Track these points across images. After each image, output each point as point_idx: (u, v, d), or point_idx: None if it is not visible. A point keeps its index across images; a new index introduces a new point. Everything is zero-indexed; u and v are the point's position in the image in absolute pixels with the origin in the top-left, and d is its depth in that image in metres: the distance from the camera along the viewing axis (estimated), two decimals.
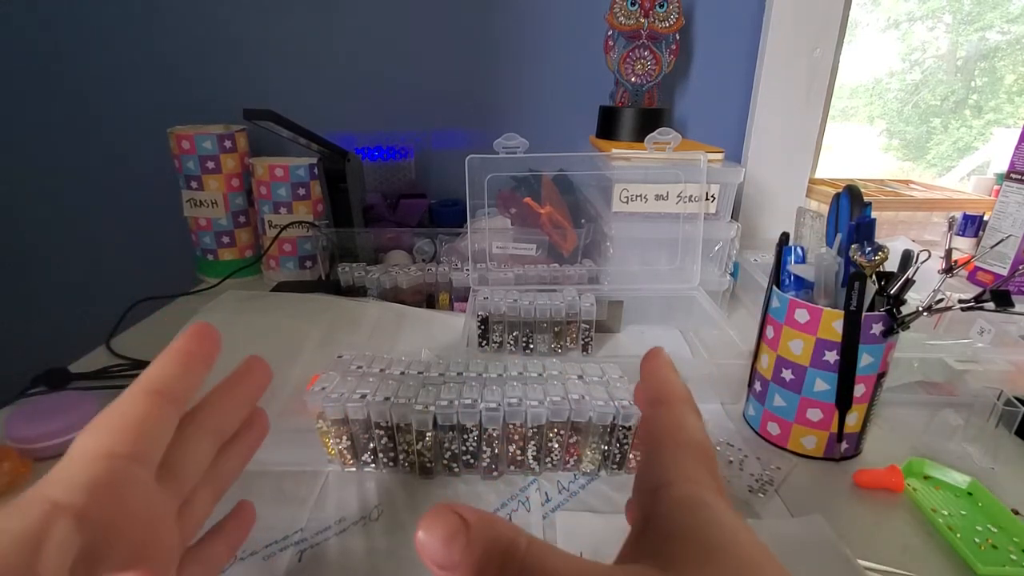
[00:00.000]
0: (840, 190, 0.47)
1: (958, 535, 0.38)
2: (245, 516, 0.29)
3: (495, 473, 0.43)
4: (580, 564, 0.15)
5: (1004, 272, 0.81)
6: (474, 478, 0.43)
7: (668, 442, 0.18)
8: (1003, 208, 0.82)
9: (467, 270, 0.69)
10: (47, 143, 1.00)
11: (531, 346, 0.62)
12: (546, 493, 0.42)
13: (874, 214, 0.45)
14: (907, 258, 0.42)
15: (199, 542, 0.26)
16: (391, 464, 0.43)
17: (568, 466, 0.44)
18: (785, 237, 0.49)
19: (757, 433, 0.50)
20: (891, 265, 0.42)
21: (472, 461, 0.43)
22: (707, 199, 0.67)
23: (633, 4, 0.82)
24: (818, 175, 1.07)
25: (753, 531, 0.16)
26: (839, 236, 0.46)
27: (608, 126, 0.87)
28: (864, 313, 0.42)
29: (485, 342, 0.62)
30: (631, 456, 0.43)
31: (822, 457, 0.46)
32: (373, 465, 0.44)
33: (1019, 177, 0.80)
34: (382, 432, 0.42)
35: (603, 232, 0.70)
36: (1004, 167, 0.84)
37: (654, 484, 0.17)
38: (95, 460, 0.17)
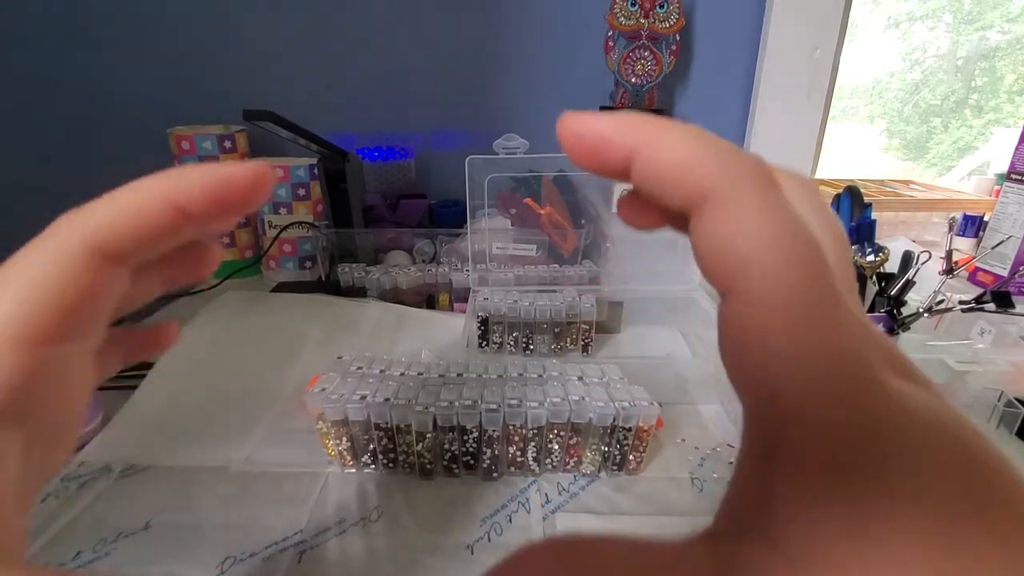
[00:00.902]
0: (840, 191, 0.47)
1: None
2: (164, 334, 0.22)
3: (495, 474, 0.43)
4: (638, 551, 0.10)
5: (1004, 273, 0.81)
6: (474, 479, 0.43)
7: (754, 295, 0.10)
8: (1003, 209, 0.81)
9: (467, 271, 0.69)
10: (47, 143, 1.00)
11: (531, 347, 0.61)
12: (546, 494, 0.42)
13: (874, 214, 0.45)
14: (907, 259, 0.42)
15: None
16: (391, 465, 0.43)
17: (568, 467, 0.44)
18: None
19: None
20: (891, 266, 0.42)
21: (472, 462, 0.43)
22: None
23: (633, 5, 0.82)
24: (818, 175, 1.07)
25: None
26: None
27: None
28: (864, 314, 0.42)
29: (485, 343, 0.62)
30: (631, 457, 0.43)
31: None
32: (373, 466, 0.44)
33: (1019, 177, 0.80)
34: (382, 433, 0.42)
35: (603, 233, 0.70)
36: (1004, 167, 0.84)
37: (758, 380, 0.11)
38: (17, 349, 0.12)
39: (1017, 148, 0.81)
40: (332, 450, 0.43)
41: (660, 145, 0.12)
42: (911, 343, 0.56)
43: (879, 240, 0.43)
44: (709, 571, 0.10)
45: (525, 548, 0.11)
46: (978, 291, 0.43)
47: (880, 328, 0.10)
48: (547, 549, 0.11)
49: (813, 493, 0.09)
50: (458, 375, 0.45)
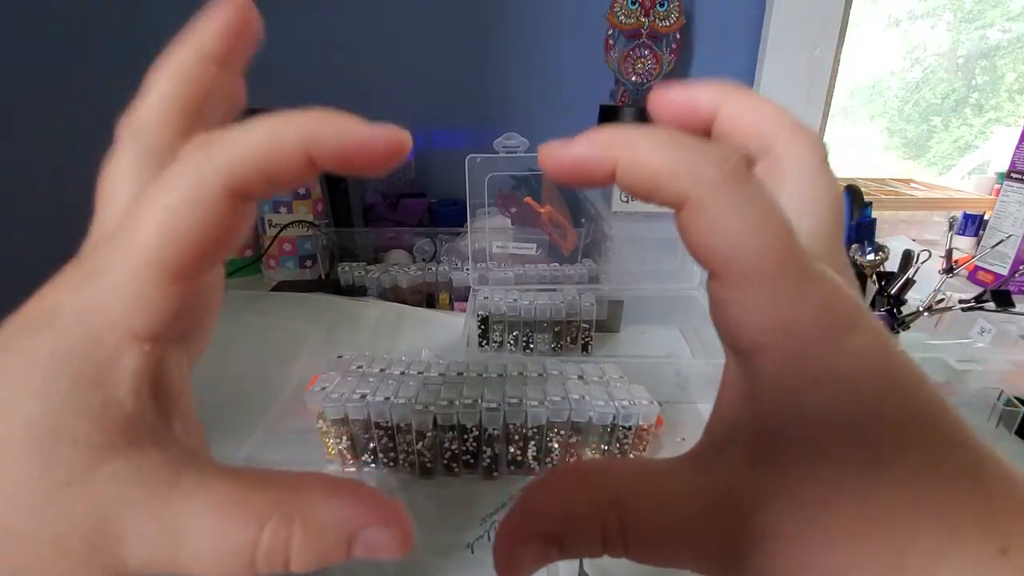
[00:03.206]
0: (840, 190, 0.47)
1: None
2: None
3: (495, 473, 0.43)
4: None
5: (1004, 272, 0.81)
6: (474, 478, 0.43)
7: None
8: (1004, 207, 0.81)
9: (467, 270, 0.69)
10: (46, 142, 1.00)
11: (531, 346, 0.62)
12: None
13: (874, 213, 0.45)
14: (907, 258, 0.42)
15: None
16: (391, 464, 0.43)
17: None
18: None
19: None
20: (891, 265, 0.42)
21: (472, 461, 0.43)
22: None
23: (633, 3, 0.82)
24: None
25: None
26: None
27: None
28: None
29: (485, 342, 0.62)
30: (631, 456, 0.43)
31: None
32: (373, 465, 0.44)
33: (1020, 176, 0.79)
34: (382, 432, 0.42)
35: (603, 232, 0.70)
36: (1005, 166, 0.83)
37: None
38: (165, 285, 0.13)
39: (1017, 147, 0.81)
40: (332, 449, 0.43)
41: (634, 159, 0.13)
42: (911, 342, 0.56)
43: (879, 239, 0.43)
44: (694, 477, 0.14)
45: (550, 471, 0.15)
46: (978, 290, 0.43)
47: (845, 279, 0.13)
48: (571, 471, 0.15)
49: (782, 417, 0.13)
50: (458, 374, 0.46)
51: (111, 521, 0.12)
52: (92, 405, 0.13)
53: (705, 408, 0.54)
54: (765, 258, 0.12)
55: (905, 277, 0.42)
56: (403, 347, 0.62)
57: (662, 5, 0.83)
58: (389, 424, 0.41)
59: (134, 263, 0.13)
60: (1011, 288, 0.73)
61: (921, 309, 0.43)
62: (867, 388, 0.12)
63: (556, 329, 0.61)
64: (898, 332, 0.43)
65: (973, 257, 0.50)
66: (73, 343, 0.13)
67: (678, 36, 0.85)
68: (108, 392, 0.13)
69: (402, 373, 0.45)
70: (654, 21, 0.83)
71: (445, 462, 0.43)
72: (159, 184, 0.13)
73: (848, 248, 0.43)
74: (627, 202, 0.67)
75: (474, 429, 0.41)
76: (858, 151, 1.91)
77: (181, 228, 0.13)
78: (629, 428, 0.42)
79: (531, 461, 0.43)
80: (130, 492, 0.13)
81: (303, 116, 0.14)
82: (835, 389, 0.12)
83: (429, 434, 0.41)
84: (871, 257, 0.41)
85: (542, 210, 0.72)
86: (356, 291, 0.72)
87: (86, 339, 0.13)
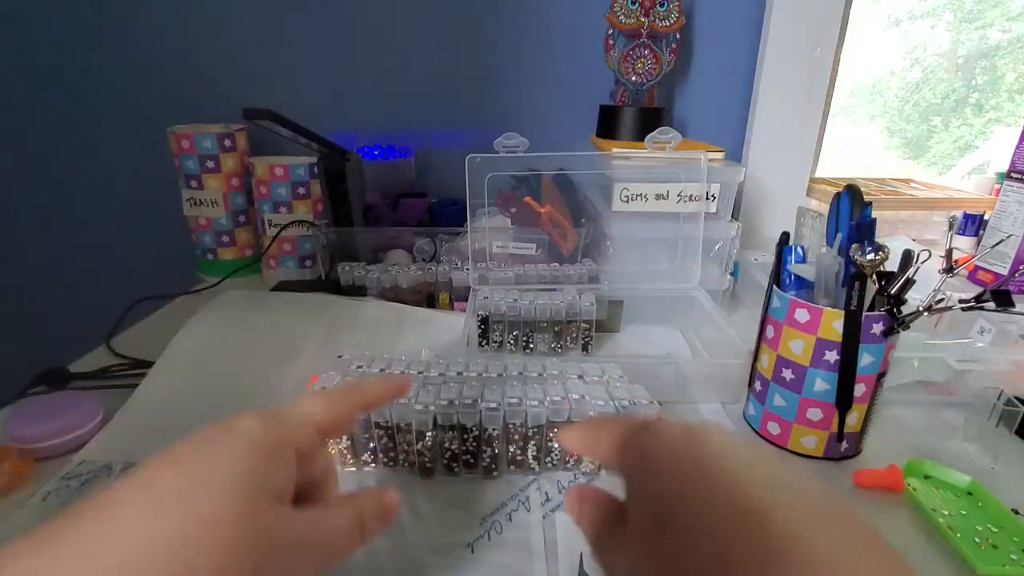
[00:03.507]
0: (841, 189, 0.47)
1: (958, 535, 0.38)
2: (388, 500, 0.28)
3: (495, 473, 0.43)
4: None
5: (1004, 272, 0.81)
6: (474, 478, 0.43)
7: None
8: (1003, 207, 0.81)
9: (467, 269, 0.69)
10: (46, 142, 1.00)
11: (531, 346, 0.61)
12: (546, 493, 0.42)
13: (874, 213, 0.45)
14: (907, 258, 0.42)
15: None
16: (391, 464, 0.43)
17: (568, 466, 0.44)
18: (785, 237, 0.49)
19: (757, 433, 0.50)
20: (891, 265, 0.42)
21: (472, 461, 0.43)
22: (707, 198, 0.67)
23: (633, 3, 0.82)
24: (818, 174, 1.07)
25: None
26: (839, 236, 0.46)
27: (608, 125, 0.87)
28: (864, 313, 0.42)
29: (485, 342, 0.62)
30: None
31: (822, 457, 0.46)
32: (373, 465, 0.44)
33: (1019, 176, 0.79)
34: (382, 432, 0.42)
35: (603, 231, 0.70)
36: (1004, 166, 0.84)
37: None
38: (321, 410, 0.26)
39: (1017, 147, 0.81)
40: (332, 449, 0.43)
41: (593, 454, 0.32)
42: (911, 342, 0.56)
43: (879, 239, 0.43)
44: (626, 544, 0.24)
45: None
46: (978, 290, 0.43)
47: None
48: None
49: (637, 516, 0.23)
50: (458, 374, 0.46)
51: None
52: (282, 472, 0.23)
53: (705, 408, 0.54)
54: (628, 465, 0.25)
55: (905, 277, 0.42)
56: (403, 347, 0.62)
57: (662, 5, 0.83)
58: (389, 424, 0.41)
59: (309, 410, 0.26)
60: (1011, 288, 0.73)
61: (921, 309, 0.43)
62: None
63: (556, 329, 0.61)
64: (898, 332, 0.43)
65: (973, 257, 0.50)
66: (268, 435, 0.23)
67: (678, 36, 0.85)
68: (290, 464, 0.23)
69: (402, 373, 0.45)
70: (654, 21, 0.83)
71: (445, 462, 0.43)
72: (301, 402, 0.27)
73: (848, 248, 0.43)
74: (627, 202, 0.67)
75: (474, 429, 0.41)
76: (858, 151, 1.91)
77: (316, 419, 0.26)
78: None
79: (531, 461, 0.43)
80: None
81: (361, 386, 0.30)
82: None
83: (429, 434, 0.41)
84: (871, 257, 0.41)
85: (542, 210, 0.72)
86: (356, 291, 0.72)
87: (279, 434, 0.24)
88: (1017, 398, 0.49)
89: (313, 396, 0.27)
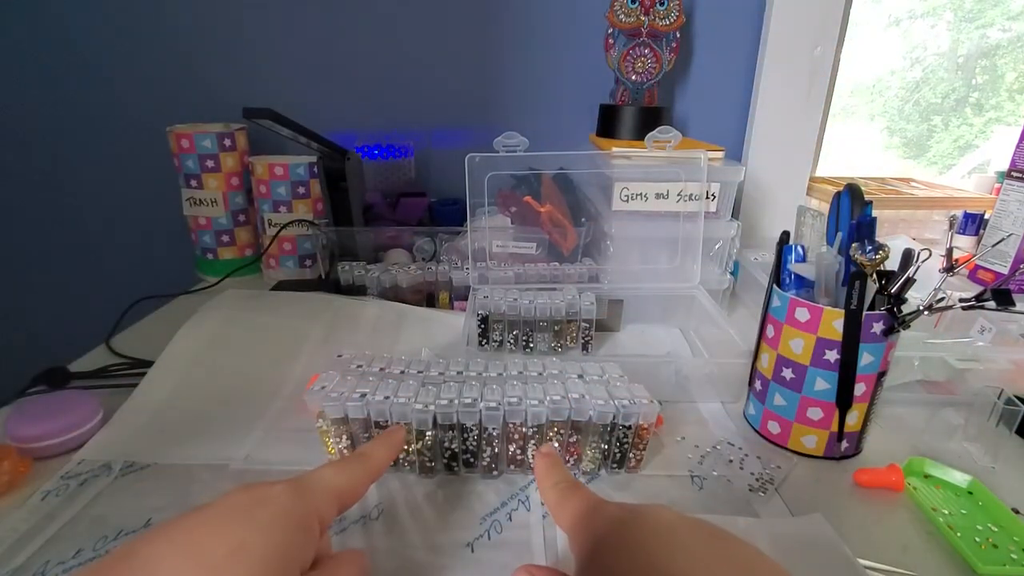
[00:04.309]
0: (841, 189, 0.47)
1: (958, 534, 0.38)
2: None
3: (495, 472, 0.43)
4: None
5: (1005, 271, 0.81)
6: (474, 477, 0.43)
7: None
8: (1004, 206, 0.81)
9: (467, 269, 0.69)
10: (46, 142, 1.00)
11: (531, 345, 0.61)
12: None
13: (875, 213, 0.45)
14: (908, 257, 0.42)
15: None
16: (391, 464, 0.43)
17: (568, 465, 0.44)
18: (786, 236, 0.49)
19: (757, 432, 0.50)
20: (892, 264, 0.42)
21: (472, 460, 0.43)
22: (707, 198, 0.67)
23: (633, 2, 0.82)
24: (819, 173, 1.07)
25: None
26: (840, 235, 0.46)
27: (608, 124, 0.87)
28: (865, 312, 0.42)
29: (485, 341, 0.62)
30: (631, 455, 0.43)
31: (822, 456, 0.46)
32: None
33: (1020, 175, 0.79)
34: (382, 431, 0.42)
35: (603, 231, 0.70)
36: (1005, 165, 0.83)
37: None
38: (340, 482, 0.28)
39: (1018, 146, 0.81)
40: (332, 448, 0.43)
41: (556, 522, 0.31)
42: (911, 341, 0.56)
43: (879, 238, 0.43)
44: None
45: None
46: (978, 289, 0.43)
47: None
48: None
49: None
50: (458, 373, 0.46)
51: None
52: (310, 544, 0.25)
53: (705, 407, 0.54)
54: (577, 535, 0.28)
55: (905, 276, 0.42)
56: (403, 346, 0.62)
57: (662, 4, 0.82)
58: (389, 423, 0.41)
59: (331, 483, 0.28)
60: (1011, 287, 0.73)
61: (921, 308, 0.43)
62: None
63: (556, 328, 0.61)
64: (898, 331, 0.43)
65: (974, 256, 0.50)
66: (296, 504, 0.25)
67: (678, 35, 0.85)
68: (314, 529, 0.25)
69: (402, 372, 0.45)
70: (654, 20, 0.83)
71: (445, 461, 0.43)
72: (333, 472, 0.28)
73: (849, 247, 0.43)
74: (627, 201, 0.67)
75: (474, 428, 0.41)
76: (858, 151, 1.90)
77: (339, 491, 0.28)
78: (629, 427, 0.42)
79: (531, 460, 0.43)
80: None
81: (373, 462, 0.32)
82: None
83: (429, 433, 0.41)
84: (871, 256, 0.41)
85: (542, 209, 0.72)
86: (356, 290, 0.72)
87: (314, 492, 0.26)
88: (1017, 397, 0.49)
89: (333, 467, 0.29)
